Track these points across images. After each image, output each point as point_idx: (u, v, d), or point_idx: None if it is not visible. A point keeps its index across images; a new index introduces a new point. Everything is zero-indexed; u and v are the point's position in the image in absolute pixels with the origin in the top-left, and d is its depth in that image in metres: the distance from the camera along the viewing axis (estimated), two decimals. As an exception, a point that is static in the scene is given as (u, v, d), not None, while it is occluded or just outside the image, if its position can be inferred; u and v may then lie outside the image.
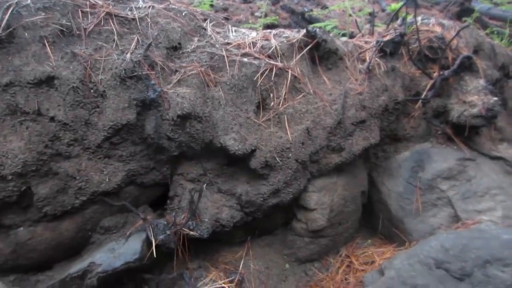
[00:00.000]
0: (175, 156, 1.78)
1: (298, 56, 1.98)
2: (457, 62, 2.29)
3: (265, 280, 1.93)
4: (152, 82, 1.65)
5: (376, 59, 2.17)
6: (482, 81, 2.29)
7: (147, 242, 1.61)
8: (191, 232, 1.66)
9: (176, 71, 1.76)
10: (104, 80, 1.61)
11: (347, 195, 2.09)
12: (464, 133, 2.17)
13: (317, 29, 2.02)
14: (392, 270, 1.75)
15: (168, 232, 1.58)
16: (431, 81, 2.32)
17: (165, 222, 1.63)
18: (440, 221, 2.00)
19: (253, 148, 1.76)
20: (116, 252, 1.55)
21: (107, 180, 1.65)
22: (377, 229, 2.30)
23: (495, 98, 2.18)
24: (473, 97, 2.21)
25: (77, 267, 1.56)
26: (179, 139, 1.70)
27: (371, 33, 2.55)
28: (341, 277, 1.99)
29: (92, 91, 1.60)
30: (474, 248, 1.58)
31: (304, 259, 2.11)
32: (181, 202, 1.79)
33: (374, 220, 2.31)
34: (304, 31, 2.03)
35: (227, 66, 1.83)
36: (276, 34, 2.12)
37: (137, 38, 1.76)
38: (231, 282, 1.74)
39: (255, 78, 1.83)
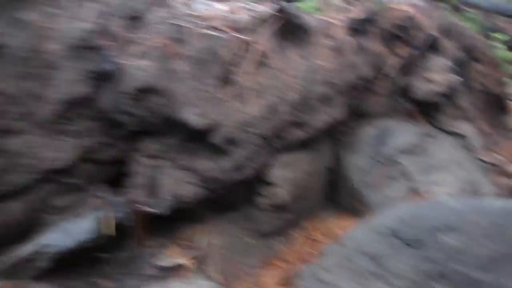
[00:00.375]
0: (134, 132, 1.73)
1: (265, 31, 1.95)
2: (423, 41, 2.34)
3: (228, 256, 1.94)
4: (109, 53, 1.59)
5: (344, 36, 2.18)
6: (445, 61, 2.34)
7: (103, 220, 1.57)
8: (151, 210, 1.64)
9: (137, 42, 1.70)
10: (57, 50, 1.54)
11: (311, 170, 2.12)
12: (426, 110, 2.23)
13: (286, 4, 1.99)
14: (351, 240, 1.80)
15: (125, 210, 1.55)
16: (398, 59, 2.35)
17: (123, 200, 1.59)
18: (399, 194, 2.07)
19: (215, 123, 1.74)
20: (70, 232, 1.51)
21: (60, 157, 1.59)
22: (340, 203, 2.34)
23: (457, 77, 2.24)
24: (436, 76, 2.27)
25: (29, 249, 1.50)
26: (138, 113, 1.65)
27: (341, 10, 2.54)
28: (303, 249, 2.03)
29: (43, 62, 1.52)
30: (427, 217, 1.64)
31: (268, 233, 2.13)
32: (140, 179, 1.75)
33: (338, 195, 2.35)
34: (273, 5, 2.00)
35: (191, 39, 1.79)
36: (244, 7, 2.07)
37: (97, 7, 1.68)
38: (191, 258, 1.74)
39: (220, 52, 1.80)
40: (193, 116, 1.71)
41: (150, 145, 1.82)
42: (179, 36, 1.76)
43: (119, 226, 1.59)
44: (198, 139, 1.83)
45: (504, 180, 2.32)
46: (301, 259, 2.02)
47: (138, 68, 1.61)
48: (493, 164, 2.33)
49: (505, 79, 3.37)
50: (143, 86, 1.59)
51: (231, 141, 1.79)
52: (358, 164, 2.20)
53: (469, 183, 2.05)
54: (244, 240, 2.09)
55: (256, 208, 2.12)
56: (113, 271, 1.76)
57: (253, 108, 1.81)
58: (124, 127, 1.69)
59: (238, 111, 1.80)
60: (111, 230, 1.55)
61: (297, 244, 2.12)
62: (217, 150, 1.81)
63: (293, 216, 2.16)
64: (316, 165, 2.14)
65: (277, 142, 1.95)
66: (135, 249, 1.79)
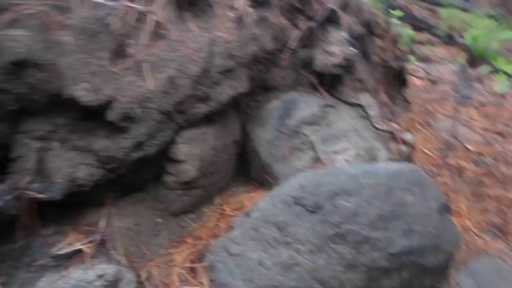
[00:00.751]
0: (16, 112, 1.56)
1: (162, 1, 1.85)
2: (323, 14, 2.41)
3: (135, 237, 1.88)
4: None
5: (246, 8, 2.15)
6: (344, 34, 2.44)
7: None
8: (40, 195, 1.50)
9: (8, 9, 1.51)
10: None
11: (218, 145, 2.10)
12: (328, 82, 2.31)
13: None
14: (257, 211, 1.83)
15: (7, 198, 1.40)
16: (299, 32, 2.40)
17: (5, 187, 1.44)
18: (304, 164, 2.14)
19: (109, 99, 1.63)
20: None
21: None
22: (250, 176, 2.37)
23: (354, 50, 2.35)
24: (335, 48, 2.36)
25: None
26: (16, 91, 1.48)
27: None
28: (213, 225, 2.03)
29: None
30: (325, 183, 1.72)
31: (178, 212, 2.09)
32: (27, 164, 1.59)
33: (248, 168, 2.38)
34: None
35: (76, 7, 1.63)
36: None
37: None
38: (91, 242, 1.64)
39: (111, 22, 1.67)
40: (84, 93, 1.58)
41: (37, 126, 1.65)
42: (61, 4, 1.60)
43: (2, 216, 1.44)
44: (92, 117, 1.70)
45: (399, 147, 2.52)
46: (212, 234, 2.02)
47: (12, 39, 1.43)
48: (390, 132, 2.51)
49: (403, 54, 3.63)
50: (18, 60, 1.42)
51: (129, 118, 1.70)
52: (265, 137, 2.23)
53: (367, 151, 2.18)
54: (152, 220, 2.03)
55: (165, 187, 2.06)
56: (2, 265, 1.61)
57: (151, 82, 1.72)
58: (1, 107, 1.51)
59: (135, 85, 1.70)
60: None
61: (208, 220, 2.11)
62: (114, 128, 1.71)
63: (203, 192, 2.14)
64: (223, 139, 2.12)
65: (180, 118, 1.89)
66: (27, 240, 1.64)
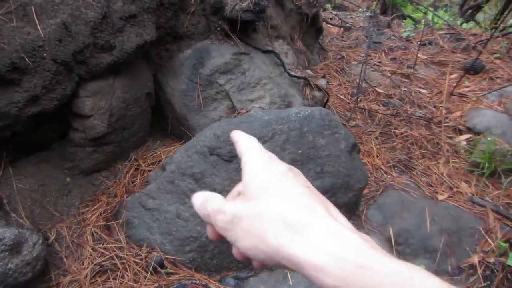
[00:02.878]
0: None
1: None
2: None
3: (41, 198, 1.75)
4: None
5: None
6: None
7: None
8: None
9: None
10: None
11: (128, 97, 1.98)
12: (241, 29, 2.24)
13: None
14: (173, 164, 1.79)
15: None
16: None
17: None
18: (219, 114, 2.11)
19: (-9, 48, 1.43)
20: None
21: None
22: (167, 130, 2.30)
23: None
24: (245, -7, 2.27)
25: None
26: None
27: None
28: (128, 181, 1.96)
29: None
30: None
31: (90, 170, 1.98)
32: None
33: (164, 122, 2.30)
34: None
35: None
36: None
37: None
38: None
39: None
40: (-44, 41, 1.36)
41: None
42: None
43: None
44: (-28, 69, 1.49)
45: (313, 93, 2.59)
46: (128, 191, 1.95)
47: None
48: (304, 79, 2.55)
49: (318, 1, 3.64)
50: None
51: (18, 69, 1.51)
52: (178, 88, 2.14)
53: (282, 98, 2.20)
54: (61, 180, 1.90)
55: (72, 144, 1.92)
56: None
57: (41, 29, 1.53)
58: None
59: (22, 32, 1.50)
60: None
61: (123, 176, 2.03)
62: (3, 81, 1.52)
63: (116, 148, 2.04)
64: (133, 92, 2.00)
65: (81, 69, 1.73)
66: None
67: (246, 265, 1.77)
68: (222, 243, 1.70)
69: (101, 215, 1.81)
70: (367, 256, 0.35)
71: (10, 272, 1.39)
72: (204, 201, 0.45)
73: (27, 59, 1.51)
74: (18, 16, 1.52)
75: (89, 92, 1.81)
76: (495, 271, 1.76)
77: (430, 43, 4.45)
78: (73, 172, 1.95)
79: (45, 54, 1.56)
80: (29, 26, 1.53)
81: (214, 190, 1.72)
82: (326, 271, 0.35)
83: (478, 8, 5.54)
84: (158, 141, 2.25)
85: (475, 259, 1.80)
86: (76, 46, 1.65)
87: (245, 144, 0.50)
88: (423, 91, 3.54)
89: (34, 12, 1.54)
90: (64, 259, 1.66)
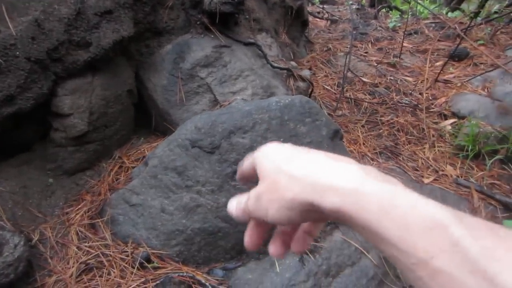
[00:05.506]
0: None
1: None
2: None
3: (22, 200, 1.73)
4: None
5: None
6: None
7: None
8: None
9: None
10: None
11: (108, 95, 1.96)
12: (222, 22, 2.23)
13: None
14: (155, 158, 1.78)
15: None
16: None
17: None
18: (202, 107, 2.10)
19: (-40, 47, 1.41)
20: None
21: None
22: (151, 126, 2.29)
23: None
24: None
25: None
26: None
27: None
28: (112, 178, 1.94)
29: None
30: (220, 123, 1.71)
31: (73, 170, 1.96)
32: None
33: (148, 118, 2.29)
34: None
35: None
36: None
37: None
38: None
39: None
40: None
41: None
42: None
43: None
44: None
45: (296, 83, 2.59)
46: (112, 188, 1.94)
47: None
48: (287, 70, 2.55)
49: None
50: None
51: (-9, 69, 1.49)
52: (160, 83, 2.13)
53: (264, 89, 2.20)
54: (44, 181, 1.89)
55: (53, 145, 1.90)
56: None
57: (12, 27, 1.51)
58: None
59: (-7, 31, 1.48)
60: None
61: (107, 174, 2.02)
62: (-25, 82, 1.50)
63: (99, 146, 2.02)
64: (113, 89, 1.99)
65: (57, 66, 1.71)
66: None
67: (234, 255, 1.76)
68: (209, 235, 1.69)
69: (85, 214, 1.79)
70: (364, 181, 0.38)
71: (-8, 273, 1.37)
72: (237, 203, 0.51)
73: (1, 58, 1.49)
74: (-11, 15, 1.50)
75: (67, 90, 1.79)
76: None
77: (416, 33, 4.47)
78: (56, 172, 1.93)
79: (18, 53, 1.54)
80: (0, 25, 1.51)
81: (197, 182, 1.72)
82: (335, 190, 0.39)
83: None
84: (142, 138, 2.23)
85: (462, 239, 1.81)
86: (50, 44, 1.63)
87: (248, 157, 0.54)
88: (409, 79, 3.55)
89: (4, 10, 1.52)
90: (49, 260, 1.64)
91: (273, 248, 0.52)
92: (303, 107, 1.79)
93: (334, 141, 1.85)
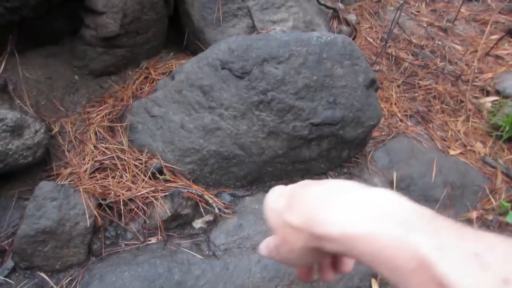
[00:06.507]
0: None
1: None
2: None
3: (47, 91, 1.73)
4: None
5: None
6: None
7: None
8: None
9: None
10: None
11: (144, 0, 1.88)
12: None
13: None
14: (182, 73, 1.73)
15: None
16: None
17: None
18: (238, 31, 2.01)
19: None
20: None
21: None
22: (182, 44, 2.22)
23: None
24: None
25: None
26: None
27: None
28: (137, 87, 1.92)
29: None
30: (255, 48, 1.63)
31: (99, 72, 1.94)
32: None
33: (181, 36, 2.21)
34: None
35: None
36: None
37: None
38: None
39: None
40: None
41: None
42: None
43: None
44: None
45: (340, 26, 2.44)
46: (135, 97, 1.92)
47: None
48: (333, 9, 2.40)
49: None
50: None
51: None
52: (199, -2, 2.03)
53: (306, 24, 2.08)
54: (69, 77, 1.88)
55: (83, 42, 1.87)
56: None
57: None
58: None
59: None
60: None
61: (132, 82, 1.99)
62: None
63: (127, 53, 1.98)
64: (151, -5, 1.90)
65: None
66: None
67: (244, 184, 1.77)
68: (223, 159, 1.68)
69: (106, 116, 1.79)
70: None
71: (10, 152, 1.40)
72: (265, 247, 0.53)
73: None
74: None
75: (103, -15, 1.72)
76: (491, 227, 1.72)
77: (477, 0, 4.13)
78: (82, 71, 1.91)
79: None
80: None
81: (221, 105, 1.68)
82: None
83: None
84: (172, 53, 2.17)
85: (474, 214, 1.77)
86: None
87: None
88: (458, 47, 3.32)
89: None
90: (66, 152, 1.67)
91: (322, 275, 0.56)
92: (344, 48, 1.68)
93: (369, 90, 1.76)
